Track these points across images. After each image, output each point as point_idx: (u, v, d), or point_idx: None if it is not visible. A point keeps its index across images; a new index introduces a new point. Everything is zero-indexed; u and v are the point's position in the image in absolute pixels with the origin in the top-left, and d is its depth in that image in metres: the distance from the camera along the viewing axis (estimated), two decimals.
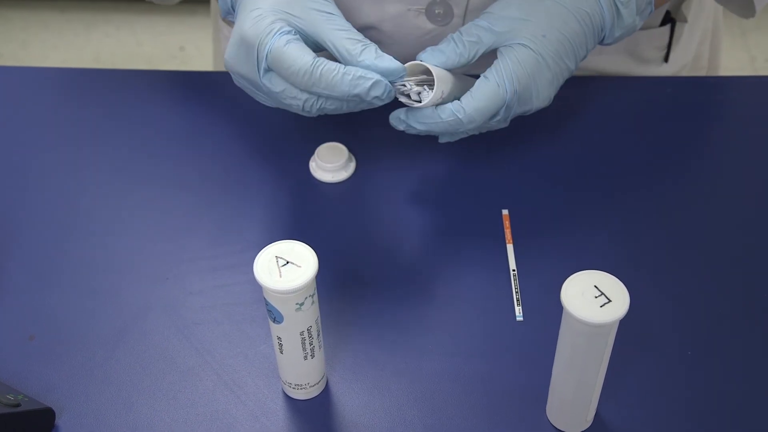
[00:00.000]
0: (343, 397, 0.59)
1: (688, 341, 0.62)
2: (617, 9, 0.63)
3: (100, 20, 2.07)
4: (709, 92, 0.80)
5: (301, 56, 0.58)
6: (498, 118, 0.63)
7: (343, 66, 0.58)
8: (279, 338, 0.55)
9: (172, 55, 1.99)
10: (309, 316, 0.54)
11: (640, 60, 0.82)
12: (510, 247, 0.67)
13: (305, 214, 0.70)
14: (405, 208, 0.70)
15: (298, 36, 0.59)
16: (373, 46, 0.60)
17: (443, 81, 0.61)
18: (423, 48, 0.68)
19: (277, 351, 0.56)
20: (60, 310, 0.64)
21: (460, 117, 0.61)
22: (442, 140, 0.68)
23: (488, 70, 0.62)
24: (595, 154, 0.74)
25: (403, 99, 0.61)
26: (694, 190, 0.71)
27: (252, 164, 0.73)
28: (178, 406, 0.59)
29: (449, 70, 0.63)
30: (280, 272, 0.51)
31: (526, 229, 0.68)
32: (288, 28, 0.59)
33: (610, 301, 0.49)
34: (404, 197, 0.71)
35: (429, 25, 0.73)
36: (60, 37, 2.05)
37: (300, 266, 0.52)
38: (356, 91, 0.58)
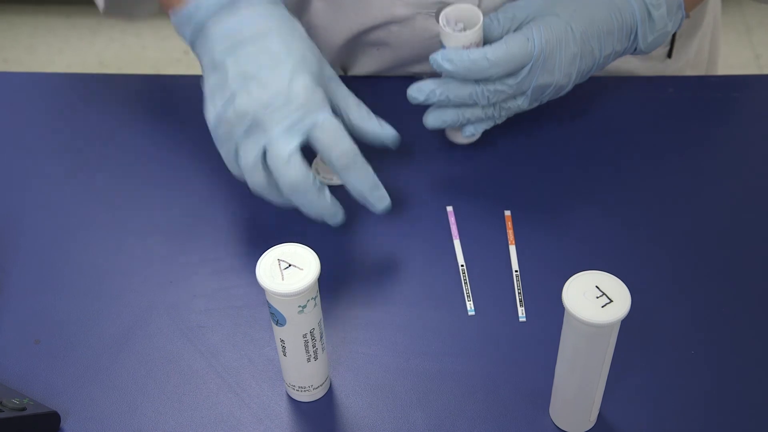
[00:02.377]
0: (347, 399, 0.59)
1: (691, 341, 0.62)
2: (648, 11, 0.66)
3: (105, 25, 2.08)
4: (713, 91, 0.80)
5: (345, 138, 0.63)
6: (521, 78, 0.65)
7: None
8: (282, 341, 0.55)
9: (177, 59, 2.00)
10: (312, 318, 0.54)
11: (643, 57, 0.82)
12: (512, 248, 0.67)
13: (307, 217, 0.70)
14: (407, 210, 0.70)
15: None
16: (373, 117, 0.66)
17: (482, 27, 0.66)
18: (430, 50, 0.68)
19: (281, 353, 0.56)
20: (65, 314, 0.64)
21: (488, 57, 0.63)
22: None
23: (521, 28, 0.65)
24: (597, 155, 0.74)
25: (445, 28, 0.65)
26: (698, 191, 0.71)
27: None
28: (183, 409, 0.59)
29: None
30: (282, 275, 0.52)
31: (529, 230, 0.68)
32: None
33: (611, 301, 0.49)
34: (407, 199, 0.71)
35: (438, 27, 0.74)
36: (65, 42, 2.06)
37: (302, 269, 0.52)
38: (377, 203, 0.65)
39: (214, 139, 0.65)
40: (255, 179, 0.63)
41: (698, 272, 0.66)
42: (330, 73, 0.66)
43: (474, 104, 0.67)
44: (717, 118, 0.77)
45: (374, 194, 0.64)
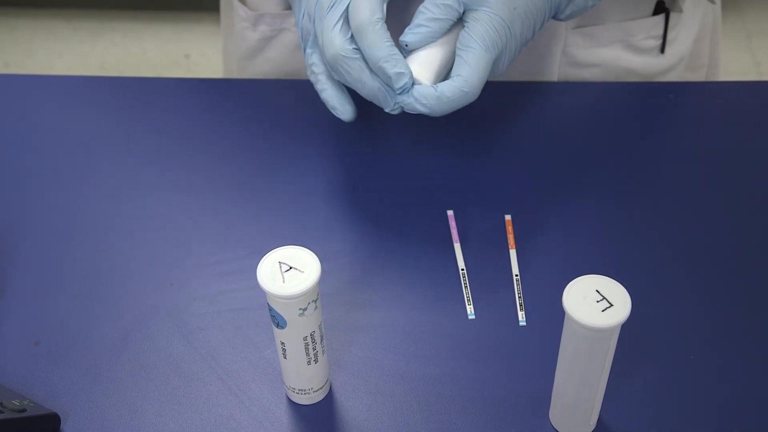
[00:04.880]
0: (347, 402, 0.59)
1: (691, 345, 0.62)
2: None
3: (106, 28, 2.08)
4: (712, 97, 0.80)
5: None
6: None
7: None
8: (282, 343, 0.55)
9: (178, 63, 2.00)
10: (312, 321, 0.54)
11: (636, 50, 0.82)
12: (513, 253, 0.67)
13: (308, 220, 0.70)
14: (407, 214, 0.70)
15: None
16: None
17: (428, 66, 0.62)
18: None
19: (281, 356, 0.56)
20: (65, 315, 0.64)
21: (466, 90, 0.60)
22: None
23: (466, 37, 0.60)
24: (597, 160, 0.74)
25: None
26: (697, 195, 0.72)
27: (255, 170, 0.74)
28: (183, 412, 0.59)
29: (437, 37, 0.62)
30: (283, 278, 0.52)
31: (529, 235, 0.68)
32: None
33: (611, 305, 0.49)
34: (407, 203, 0.71)
35: None
36: (66, 46, 2.06)
37: (303, 271, 0.52)
38: (387, 67, 0.59)
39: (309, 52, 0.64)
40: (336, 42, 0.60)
41: (698, 277, 0.66)
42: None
43: None
44: (717, 124, 0.78)
45: (391, 66, 0.59)
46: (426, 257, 0.67)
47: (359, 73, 0.60)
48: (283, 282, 0.51)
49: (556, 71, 0.80)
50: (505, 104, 0.78)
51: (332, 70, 0.62)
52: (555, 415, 0.58)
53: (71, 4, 2.12)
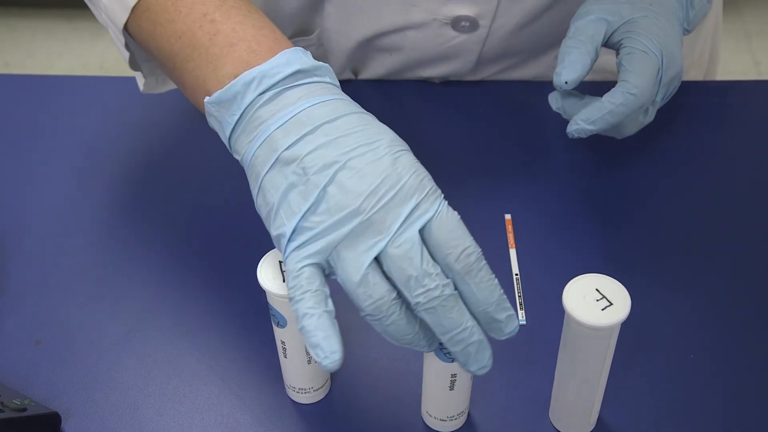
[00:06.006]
0: (347, 401, 0.59)
1: (690, 344, 0.62)
2: None
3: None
4: (712, 96, 0.80)
5: None
6: (655, 90, 0.64)
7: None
8: (283, 342, 0.55)
9: None
10: None
11: None
12: (512, 252, 0.67)
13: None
14: None
15: None
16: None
17: None
18: (444, 54, 0.67)
19: (281, 355, 0.56)
20: (66, 315, 0.64)
21: (634, 93, 0.61)
22: (620, 137, 0.68)
23: (628, 47, 0.63)
24: (596, 159, 0.74)
25: None
26: (697, 195, 0.72)
27: None
28: (183, 411, 0.59)
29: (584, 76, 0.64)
30: (283, 277, 0.52)
31: (529, 234, 0.68)
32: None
33: (611, 304, 0.49)
34: None
35: (453, 33, 0.74)
36: (66, 46, 2.06)
37: None
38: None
39: (289, 260, 0.48)
40: (375, 293, 0.46)
41: (698, 276, 0.66)
42: None
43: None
44: (716, 123, 0.78)
45: (501, 311, 0.49)
46: None
47: (460, 316, 0.47)
48: (284, 281, 0.51)
49: None
50: (505, 104, 0.78)
51: (416, 310, 0.47)
52: (555, 414, 0.58)
53: (71, 4, 2.12)
